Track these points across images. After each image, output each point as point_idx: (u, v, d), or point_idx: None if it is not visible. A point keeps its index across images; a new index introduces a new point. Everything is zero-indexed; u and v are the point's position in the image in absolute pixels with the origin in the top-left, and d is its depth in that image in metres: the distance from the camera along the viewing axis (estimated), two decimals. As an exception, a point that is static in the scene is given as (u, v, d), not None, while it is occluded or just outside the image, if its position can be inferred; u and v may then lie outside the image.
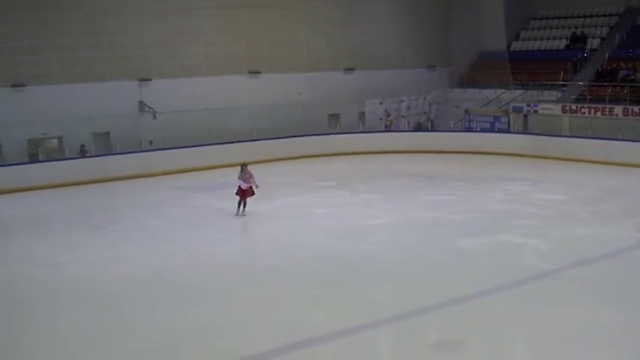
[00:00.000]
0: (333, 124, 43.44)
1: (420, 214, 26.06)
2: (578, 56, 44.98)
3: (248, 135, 38.24)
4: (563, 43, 47.90)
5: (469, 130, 43.41)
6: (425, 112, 46.67)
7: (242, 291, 18.04)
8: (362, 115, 44.81)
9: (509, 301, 16.90)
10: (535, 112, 41.92)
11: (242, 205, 25.94)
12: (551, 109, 41.29)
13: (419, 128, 45.40)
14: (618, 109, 38.43)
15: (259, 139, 38.65)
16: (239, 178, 26.05)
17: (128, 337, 15.22)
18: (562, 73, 43.66)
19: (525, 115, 42.43)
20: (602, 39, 46.01)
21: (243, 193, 25.91)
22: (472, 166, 36.67)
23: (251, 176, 26.01)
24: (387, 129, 44.27)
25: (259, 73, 41.50)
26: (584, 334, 14.80)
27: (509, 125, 42.56)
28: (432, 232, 23.47)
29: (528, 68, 45.05)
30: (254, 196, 26.00)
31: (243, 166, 26.34)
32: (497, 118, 43.05)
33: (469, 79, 48.81)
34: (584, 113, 39.88)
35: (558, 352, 13.89)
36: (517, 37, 50.55)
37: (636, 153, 35.28)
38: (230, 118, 38.37)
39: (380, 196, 29.49)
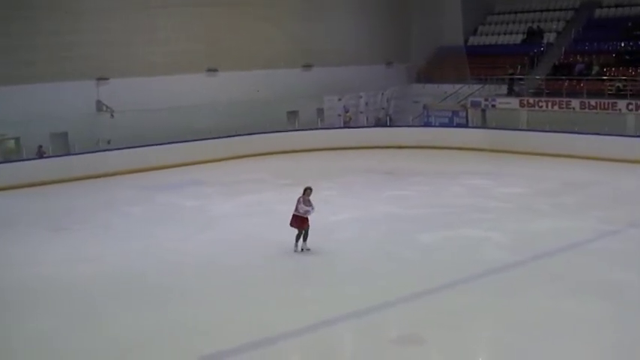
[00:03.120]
0: (292, 121, 43.34)
1: (381, 209, 26.07)
2: (535, 50, 45.28)
3: (207, 133, 37.98)
4: (520, 38, 48.25)
5: (428, 125, 43.55)
6: (383, 108, 46.76)
7: (209, 288, 18.00)
8: (320, 111, 44.79)
9: (472, 294, 16.94)
10: (493, 106, 42.16)
11: (302, 239, 20.74)
12: (509, 103, 41.54)
13: (378, 124, 45.43)
14: (575, 103, 38.79)
15: (218, 137, 38.41)
16: (300, 203, 20.74)
17: (96, 335, 15.13)
18: (519, 67, 43.89)
19: (483, 110, 42.66)
20: (559, 33, 46.42)
21: (302, 223, 20.72)
22: (431, 161, 36.79)
23: (311, 204, 20.82)
24: (346, 125, 44.28)
25: (217, 70, 41.27)
26: (545, 325, 14.85)
27: (467, 120, 42.77)
28: (394, 227, 23.49)
29: (486, 63, 45.24)
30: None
31: (308, 189, 21.04)
32: (455, 113, 43.25)
33: (427, 75, 48.94)
34: (541, 107, 40.17)
35: (520, 344, 13.97)
36: (475, 32, 50.86)
37: (593, 146, 35.58)
38: (189, 116, 38.10)
39: (341, 192, 29.45)
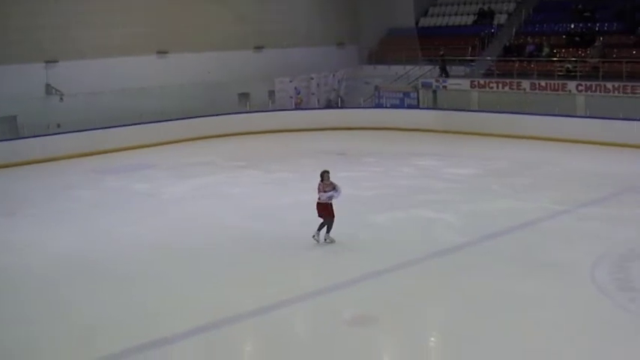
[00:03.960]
0: (244, 103, 43.06)
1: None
2: (486, 32, 45.38)
3: (158, 115, 37.60)
4: (471, 19, 48.32)
5: (379, 106, 43.59)
6: (335, 89, 46.59)
7: (161, 272, 17.88)
8: (272, 93, 44.53)
9: (424, 275, 16.98)
10: (444, 87, 42.24)
11: (326, 229, 19.47)
12: (460, 84, 41.65)
13: (329, 105, 45.33)
14: (526, 84, 38.93)
15: (170, 120, 38.11)
16: (320, 191, 19.43)
17: (53, 320, 15.02)
18: (470, 48, 44.00)
19: (434, 91, 42.72)
20: (510, 14, 46.47)
21: (326, 210, 19.39)
22: (383, 142, 36.79)
23: (333, 187, 19.52)
24: (298, 107, 44.15)
25: (168, 53, 40.85)
26: (499, 304, 14.94)
27: (418, 101, 42.83)
28: (346, 209, 23.32)
29: (437, 44, 45.25)
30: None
31: (325, 173, 19.69)
32: (406, 94, 43.27)
33: (378, 56, 48.89)
34: (492, 88, 40.30)
35: (473, 324, 13.98)
36: (425, 14, 50.80)
37: (544, 126, 35.85)
38: (140, 99, 37.66)
39: (293, 174, 29.37)
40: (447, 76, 42.41)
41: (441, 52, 42.88)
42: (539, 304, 14.89)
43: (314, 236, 19.29)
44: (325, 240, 19.31)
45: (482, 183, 26.70)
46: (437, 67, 43.08)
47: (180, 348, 13.54)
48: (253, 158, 33.15)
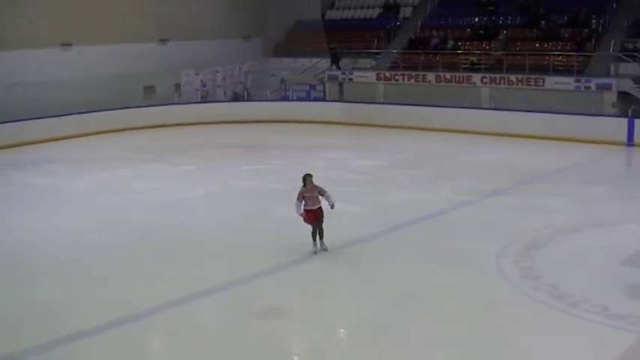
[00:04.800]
0: (149, 96, 42.50)
1: (240, 184, 25.86)
2: (392, 24, 45.61)
3: (63, 109, 36.68)
4: (376, 12, 48.53)
5: (285, 99, 43.62)
6: (241, 82, 46.41)
7: (67, 268, 17.45)
8: (178, 86, 44.15)
9: (332, 266, 16.91)
10: (350, 80, 42.39)
11: (318, 236, 17.78)
12: (366, 77, 41.84)
13: (236, 98, 45.06)
14: (431, 76, 39.33)
15: (74, 114, 37.16)
16: (301, 198, 17.59)
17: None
18: (376, 41, 44.17)
19: (341, 84, 42.88)
20: (415, 7, 46.83)
21: (316, 217, 17.71)
22: (290, 135, 36.75)
23: (320, 191, 17.71)
24: (204, 100, 43.82)
25: (72, 45, 40.01)
26: (406, 294, 14.95)
27: (325, 94, 42.97)
28: (253, 201, 23.32)
29: (343, 36, 45.35)
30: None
31: (307, 177, 17.87)
32: (313, 87, 43.40)
33: (285, 49, 48.78)
34: (397, 80, 40.58)
35: (383, 314, 13.96)
36: (332, 6, 50.89)
37: (449, 118, 36.18)
38: (43, 92, 36.66)
39: (199, 167, 29.16)
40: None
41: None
42: (448, 294, 14.93)
43: (314, 250, 17.61)
44: (317, 249, 17.66)
45: (389, 175, 26.81)
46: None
47: (87, 345, 13.18)
48: (159, 152, 32.76)
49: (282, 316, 14.12)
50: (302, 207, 17.51)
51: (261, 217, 21.33)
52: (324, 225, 17.69)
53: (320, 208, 17.59)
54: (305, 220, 17.61)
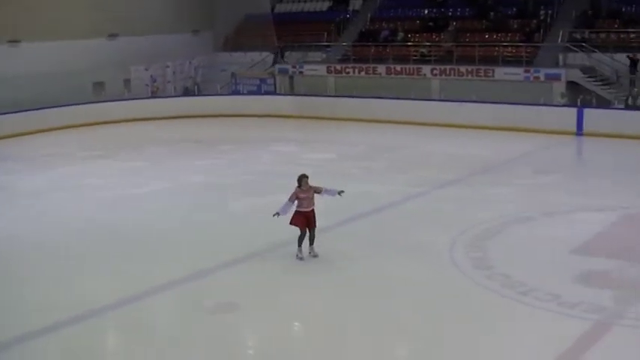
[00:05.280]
0: (99, 92, 42.10)
1: (191, 179, 25.67)
2: (342, 17, 45.61)
3: (10, 106, 36.24)
4: (326, 5, 48.52)
5: (236, 93, 43.57)
6: (191, 77, 46.19)
7: (15, 266, 17.22)
8: (127, 82, 43.81)
9: (284, 260, 16.79)
10: (301, 73, 42.37)
11: (309, 241, 16.53)
12: (317, 70, 41.84)
13: (186, 93, 44.87)
14: (381, 68, 39.45)
15: (22, 111, 36.69)
16: (294, 198, 16.32)
17: None
18: (326, 34, 44.16)
19: (291, 77, 42.87)
20: (364, 0, 46.81)
21: (307, 220, 16.39)
22: (241, 129, 36.69)
23: (316, 190, 16.49)
24: (154, 95, 43.54)
25: (20, 42, 39.50)
26: (359, 286, 14.94)
27: (275, 87, 42.93)
28: (205, 196, 23.19)
29: (293, 30, 45.30)
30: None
31: (303, 178, 16.41)
32: (263, 81, 43.43)
33: (234, 43, 48.63)
34: (348, 73, 40.63)
35: (337, 308, 13.93)
36: (281, 0, 50.70)
37: (400, 110, 36.29)
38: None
39: (150, 163, 28.91)
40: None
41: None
42: (402, 285, 14.94)
43: (299, 257, 16.42)
44: (301, 255, 16.46)
45: (340, 167, 26.75)
46: (294, 52, 43.38)
47: (39, 345, 12.98)
48: (110, 148, 32.46)
49: (235, 311, 14.01)
50: (292, 208, 16.28)
51: (213, 212, 21.21)
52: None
53: (313, 210, 16.34)
54: (292, 222, 16.29)
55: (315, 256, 16.52)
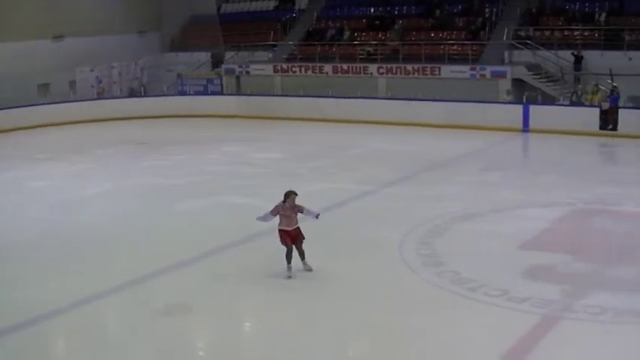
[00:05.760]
0: (44, 94, 41.60)
1: (138, 181, 25.48)
2: (288, 16, 45.61)
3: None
4: (272, 4, 48.50)
5: (182, 93, 43.42)
6: (137, 78, 45.89)
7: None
8: (73, 83, 43.36)
9: (236, 260, 16.77)
10: (247, 73, 42.33)
11: (300, 257, 15.44)
12: (263, 70, 41.82)
13: (132, 94, 44.59)
14: (328, 67, 39.53)
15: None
16: (275, 213, 15.49)
17: None
18: (272, 33, 44.12)
19: (238, 77, 42.82)
20: (310, -1, 46.92)
21: (292, 239, 15.42)
22: (188, 130, 36.54)
23: (299, 209, 15.49)
24: (100, 96, 43.14)
25: (-38, 43, 39.00)
26: (310, 285, 14.92)
27: (222, 87, 42.83)
28: (153, 198, 23.01)
29: (239, 29, 45.24)
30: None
31: (291, 194, 15.55)
32: (210, 81, 43.40)
33: (181, 43, 48.52)
34: (295, 72, 40.63)
35: (289, 306, 13.92)
36: (227, 0, 50.58)
37: (347, 109, 36.41)
38: None
39: (96, 165, 28.61)
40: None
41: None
42: (352, 283, 14.97)
43: (288, 276, 15.20)
44: (305, 268, 15.47)
45: (288, 167, 26.74)
46: (240, 52, 43.36)
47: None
48: (55, 150, 32.12)
49: (185, 313, 13.89)
50: (269, 219, 15.57)
51: (160, 213, 21.06)
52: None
53: (297, 229, 15.40)
54: (280, 240, 15.36)
55: (310, 270, 15.38)
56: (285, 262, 15.26)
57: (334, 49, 40.72)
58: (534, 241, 17.32)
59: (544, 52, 35.62)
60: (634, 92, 32.50)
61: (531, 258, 16.11)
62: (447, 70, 36.45)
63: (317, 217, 15.66)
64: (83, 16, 43.75)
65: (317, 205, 20.25)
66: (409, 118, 34.52)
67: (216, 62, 43.08)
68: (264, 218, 15.72)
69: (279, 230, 15.39)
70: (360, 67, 38.83)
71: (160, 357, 12.28)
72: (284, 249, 15.28)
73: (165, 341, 12.70)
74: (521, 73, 35.00)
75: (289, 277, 15.18)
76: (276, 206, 15.45)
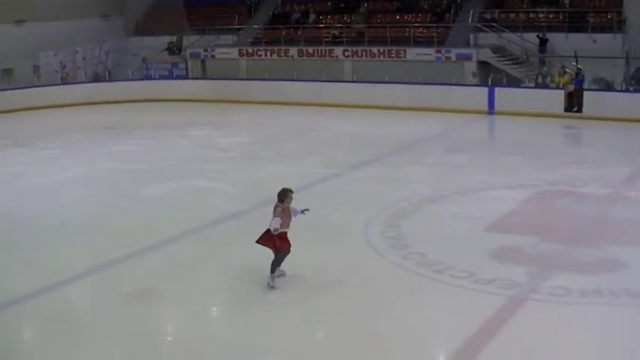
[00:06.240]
0: (7, 80, 41.24)
1: (105, 166, 25.28)
2: (253, 0, 45.40)
3: None
4: (236, -12, 48.22)
5: (147, 78, 43.20)
6: (102, 62, 45.62)
7: None
8: (37, 68, 43.08)
9: (201, 244, 16.74)
10: (213, 57, 42.18)
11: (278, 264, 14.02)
12: (228, 53, 41.68)
13: (97, 79, 44.30)
14: (293, 51, 39.48)
15: None
16: (278, 215, 13.75)
17: None
18: (237, 17, 43.96)
19: (203, 61, 42.67)
20: (275, -18, 46.69)
21: (289, 242, 14.03)
22: (153, 114, 36.40)
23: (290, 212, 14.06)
24: (64, 81, 42.76)
25: None
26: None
27: (187, 71, 42.68)
28: (119, 183, 22.87)
29: (204, 13, 45.01)
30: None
31: (289, 192, 14.13)
32: (175, 65, 43.20)
33: (145, 27, 48.14)
34: (260, 56, 40.53)
35: (256, 291, 13.85)
36: (191, -17, 50.28)
37: (313, 92, 36.42)
38: None
39: (62, 150, 28.41)
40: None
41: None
42: (318, 266, 14.99)
43: (271, 285, 13.83)
44: (273, 284, 13.85)
45: (254, 150, 26.77)
46: (205, 36, 43.18)
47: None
48: (19, 136, 31.86)
49: (154, 298, 13.84)
50: (280, 223, 13.68)
51: (127, 198, 20.93)
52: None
53: (287, 237, 14.04)
54: (278, 247, 13.84)
55: (282, 274, 14.07)
56: (269, 270, 13.89)
57: (299, 33, 40.65)
58: (500, 223, 17.43)
59: (509, 35, 35.74)
60: (598, 74, 32.72)
61: (497, 240, 16.20)
62: (413, 53, 36.50)
63: (303, 212, 14.51)
64: (46, 0, 43.27)
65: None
66: (375, 100, 34.61)
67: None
68: (275, 224, 13.59)
69: (281, 233, 13.81)
70: (325, 50, 38.79)
71: (126, 341, 12.25)
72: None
73: (133, 326, 12.67)
74: (487, 55, 35.13)
75: (272, 287, 13.80)
76: (278, 209, 13.81)
